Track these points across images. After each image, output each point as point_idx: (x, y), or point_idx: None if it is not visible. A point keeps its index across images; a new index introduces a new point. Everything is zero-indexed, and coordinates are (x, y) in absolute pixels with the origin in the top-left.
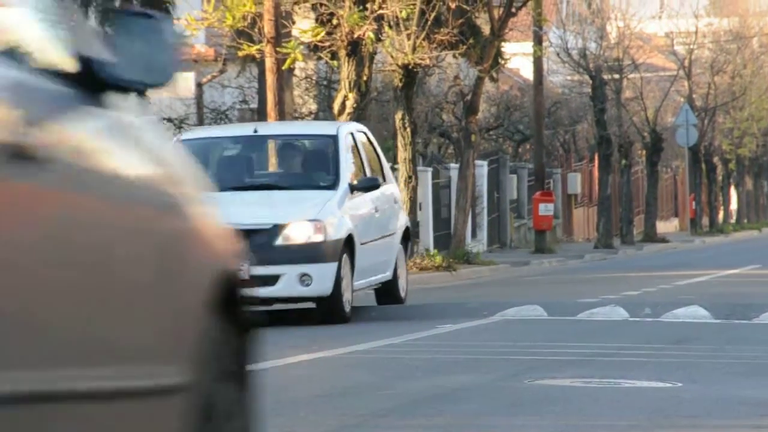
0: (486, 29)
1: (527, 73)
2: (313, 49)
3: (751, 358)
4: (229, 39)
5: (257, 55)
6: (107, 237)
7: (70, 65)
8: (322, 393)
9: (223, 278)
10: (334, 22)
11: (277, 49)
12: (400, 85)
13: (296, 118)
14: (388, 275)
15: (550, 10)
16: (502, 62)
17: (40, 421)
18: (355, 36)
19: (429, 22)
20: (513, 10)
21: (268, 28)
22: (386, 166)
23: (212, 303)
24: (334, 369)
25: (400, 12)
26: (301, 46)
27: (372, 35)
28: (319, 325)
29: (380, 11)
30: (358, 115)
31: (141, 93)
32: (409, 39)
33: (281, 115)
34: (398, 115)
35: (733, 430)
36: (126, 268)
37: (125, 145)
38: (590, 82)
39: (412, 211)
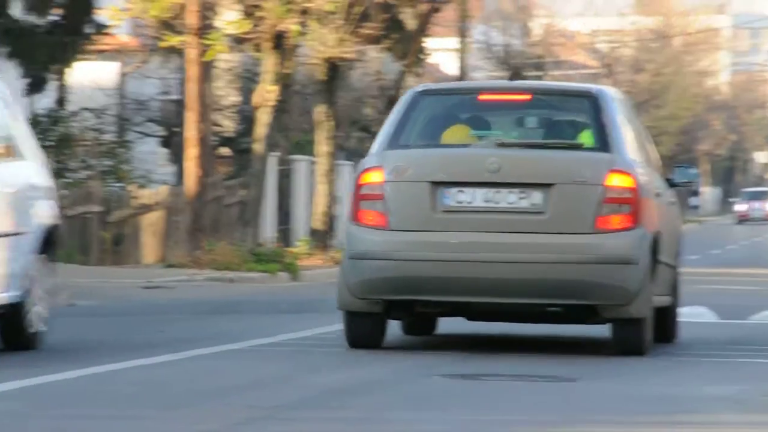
0: (410, 24)
1: (449, 68)
2: (237, 41)
3: (655, 355)
4: (153, 30)
5: (180, 47)
6: None
7: None
8: (230, 385)
9: None
10: (259, 14)
11: (201, 40)
12: (323, 78)
13: (217, 110)
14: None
15: (474, 6)
16: (425, 57)
17: None
18: (280, 29)
19: (355, 17)
20: (438, 5)
21: (191, 19)
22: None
23: None
24: (242, 361)
25: (326, 5)
26: (225, 38)
27: (297, 28)
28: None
29: (306, 5)
30: (279, 108)
31: None
32: (334, 33)
33: (202, 107)
34: (320, 109)
35: (637, 426)
36: None
37: None
38: (513, 78)
39: (330, 205)
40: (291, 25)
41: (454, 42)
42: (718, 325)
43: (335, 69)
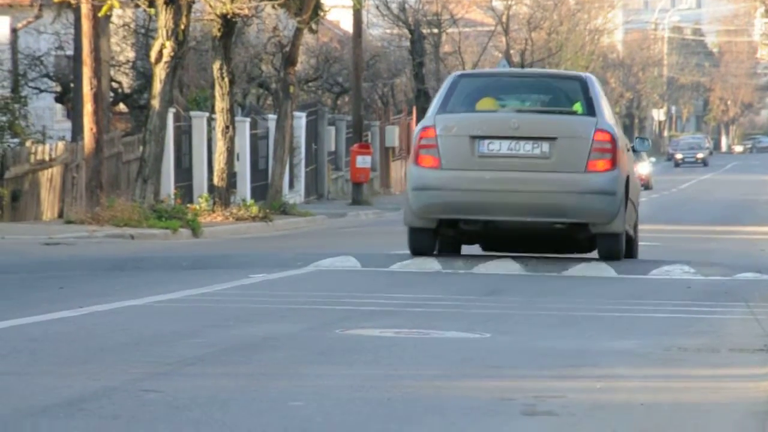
0: None
1: (347, 25)
2: None
3: (558, 310)
4: None
5: (74, 1)
6: None
7: None
8: (131, 341)
9: None
10: None
11: None
12: (219, 35)
13: (113, 66)
14: None
15: None
16: (322, 14)
17: None
18: None
19: None
20: None
21: None
22: None
23: None
24: (143, 317)
25: None
26: None
27: None
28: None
29: None
30: (175, 64)
31: None
32: None
33: (97, 62)
34: (216, 65)
35: (539, 380)
36: None
37: None
38: (409, 36)
39: (229, 162)
40: None
41: None
42: (618, 280)
43: (231, 25)
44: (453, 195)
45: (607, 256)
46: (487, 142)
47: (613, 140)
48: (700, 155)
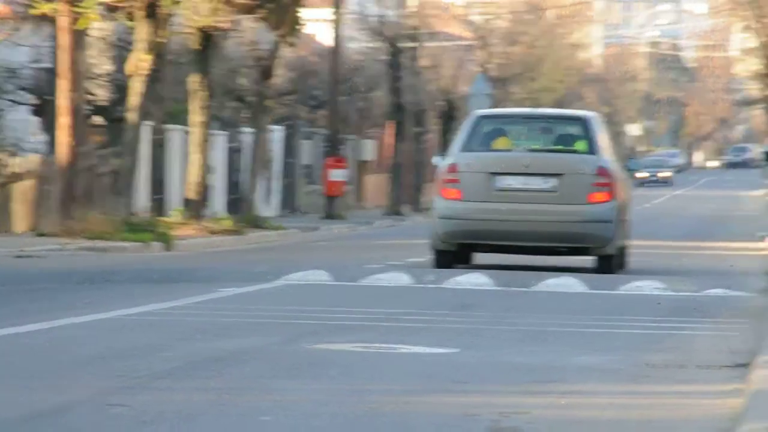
0: None
1: (325, 38)
2: (110, 9)
3: (527, 325)
4: None
5: (52, 14)
6: None
7: None
8: (99, 355)
9: None
10: None
11: (73, 8)
12: (197, 48)
13: (90, 79)
14: None
15: None
16: (299, 27)
17: None
18: None
19: None
20: None
21: None
22: None
23: None
24: (113, 331)
25: None
26: (98, 6)
27: None
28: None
29: None
30: (152, 77)
31: None
32: (207, 1)
33: (74, 75)
34: (194, 78)
35: (505, 396)
36: None
37: None
38: (388, 49)
39: (203, 175)
40: None
41: (329, 12)
42: (589, 295)
43: (209, 38)
44: (474, 224)
45: (603, 272)
46: (502, 178)
47: (611, 175)
48: (663, 174)
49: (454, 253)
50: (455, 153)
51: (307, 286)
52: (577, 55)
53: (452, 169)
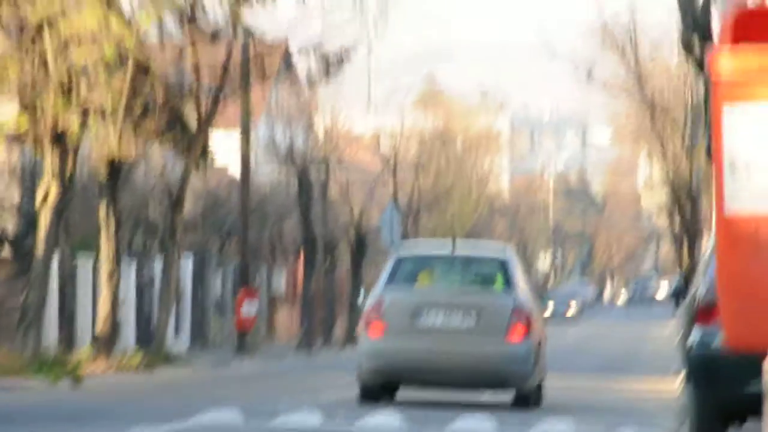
0: (194, 119)
1: (236, 170)
2: (16, 137)
3: None
4: None
5: None
6: None
7: None
8: None
9: None
10: (38, 111)
11: None
12: (106, 179)
13: None
14: None
15: (258, 104)
16: (209, 152)
17: None
18: (60, 126)
19: (135, 113)
20: (219, 100)
21: None
22: None
23: None
24: None
25: (105, 102)
26: (3, 136)
27: (76, 126)
28: None
29: (85, 105)
30: (61, 208)
31: None
32: (114, 131)
33: None
34: (102, 209)
35: None
36: None
37: None
38: (297, 177)
39: (114, 308)
40: (71, 122)
41: (237, 137)
42: None
43: (117, 169)
44: (397, 362)
45: (521, 406)
46: (424, 316)
47: (527, 313)
48: (568, 312)
49: (381, 386)
50: (379, 291)
51: (219, 428)
52: (486, 185)
53: (376, 307)
